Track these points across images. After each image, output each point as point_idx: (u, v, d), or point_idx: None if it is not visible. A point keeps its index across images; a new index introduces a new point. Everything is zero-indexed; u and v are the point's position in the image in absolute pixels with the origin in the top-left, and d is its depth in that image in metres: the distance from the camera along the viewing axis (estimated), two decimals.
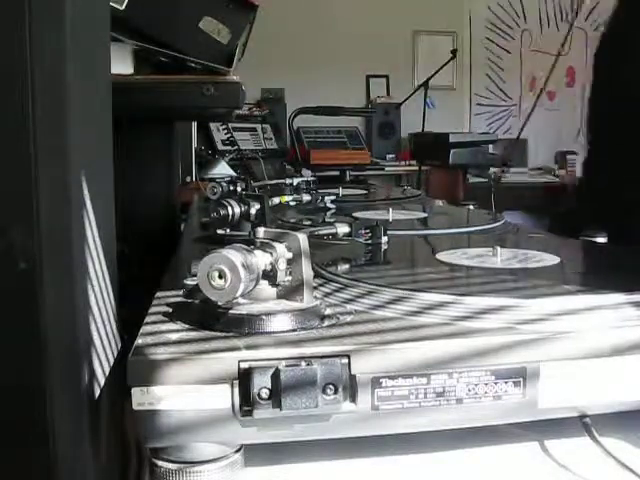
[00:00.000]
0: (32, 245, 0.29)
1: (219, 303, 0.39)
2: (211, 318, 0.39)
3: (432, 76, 3.35)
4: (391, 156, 3.83)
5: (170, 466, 0.35)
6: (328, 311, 0.42)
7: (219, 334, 0.38)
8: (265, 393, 0.34)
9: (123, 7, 0.71)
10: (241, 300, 0.39)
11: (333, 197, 0.92)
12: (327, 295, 0.46)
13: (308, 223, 0.76)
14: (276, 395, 0.34)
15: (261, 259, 0.39)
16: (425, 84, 3.37)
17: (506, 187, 3.23)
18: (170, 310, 0.43)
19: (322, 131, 3.55)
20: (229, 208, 0.67)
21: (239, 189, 0.80)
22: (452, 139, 3.18)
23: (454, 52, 3.50)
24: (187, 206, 1.13)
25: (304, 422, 0.35)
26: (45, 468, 0.30)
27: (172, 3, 0.79)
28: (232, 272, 0.37)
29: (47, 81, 0.29)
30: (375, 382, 0.35)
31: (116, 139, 0.42)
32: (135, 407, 0.34)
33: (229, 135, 2.50)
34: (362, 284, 0.45)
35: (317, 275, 0.48)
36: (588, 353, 0.38)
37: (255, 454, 0.38)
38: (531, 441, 0.42)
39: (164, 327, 0.40)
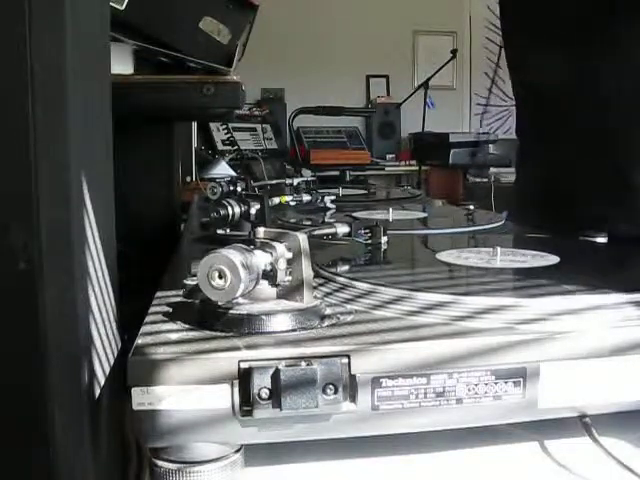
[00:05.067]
0: (32, 245, 0.29)
1: (219, 303, 0.39)
2: (211, 318, 0.39)
3: (432, 76, 3.36)
4: (391, 156, 3.83)
5: (170, 466, 0.35)
6: (328, 311, 0.42)
7: (219, 334, 0.38)
8: (265, 393, 0.34)
9: (123, 7, 0.71)
10: (241, 300, 0.39)
11: (333, 197, 0.92)
12: (327, 295, 0.46)
13: (308, 223, 0.76)
14: (276, 395, 0.34)
15: (261, 259, 0.39)
16: (425, 84, 3.37)
17: (506, 187, 3.23)
18: (170, 310, 0.43)
19: (322, 131, 3.55)
20: (229, 208, 0.67)
21: (239, 189, 0.80)
22: (452, 139, 3.18)
23: (454, 52, 3.50)
24: (187, 206, 1.13)
25: (304, 422, 0.35)
26: (45, 468, 0.30)
27: (172, 3, 0.79)
28: (232, 272, 0.37)
29: (47, 81, 0.29)
30: (375, 382, 0.36)
31: (116, 139, 0.42)
32: (135, 407, 0.34)
33: (229, 135, 2.51)
34: (362, 284, 0.45)
35: (317, 275, 0.48)
36: (588, 353, 0.38)
37: (255, 454, 0.38)
38: (531, 441, 0.42)
39: (164, 327, 0.40)
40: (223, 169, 2.06)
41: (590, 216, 0.77)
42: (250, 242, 0.41)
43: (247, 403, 0.34)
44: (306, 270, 0.41)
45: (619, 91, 0.81)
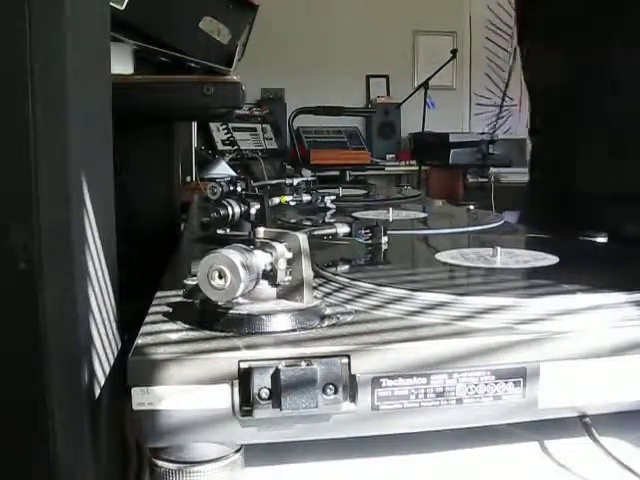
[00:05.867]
0: (32, 245, 0.29)
1: (219, 303, 0.39)
2: (211, 318, 0.39)
3: (432, 76, 3.36)
4: (391, 156, 3.83)
5: (170, 466, 0.35)
6: (328, 311, 0.42)
7: (219, 334, 0.38)
8: (265, 393, 0.34)
9: (123, 7, 0.71)
10: (241, 300, 0.39)
11: (333, 197, 0.92)
12: (327, 295, 0.46)
13: (308, 223, 0.76)
14: (276, 395, 0.34)
15: (261, 259, 0.39)
16: (425, 84, 3.37)
17: (506, 187, 3.23)
18: (170, 310, 0.43)
19: (322, 131, 3.55)
20: (229, 208, 0.67)
21: (239, 189, 0.80)
22: (452, 139, 3.18)
23: (454, 52, 3.50)
24: (187, 206, 1.13)
25: (304, 422, 0.35)
26: (45, 468, 0.30)
27: (172, 3, 0.79)
28: (232, 272, 0.37)
29: (47, 81, 0.29)
30: (375, 382, 0.36)
31: (116, 139, 0.42)
32: (135, 407, 0.34)
33: (229, 135, 2.51)
34: (362, 284, 0.45)
35: (317, 275, 0.48)
36: (588, 353, 0.38)
37: (255, 454, 0.38)
38: (531, 441, 0.42)
39: (164, 327, 0.40)
40: (223, 169, 2.07)
41: (595, 218, 0.77)
42: (250, 242, 0.41)
43: (247, 403, 0.34)
44: (306, 270, 0.41)
45: (622, 93, 0.81)
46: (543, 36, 0.92)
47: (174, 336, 0.38)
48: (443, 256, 0.56)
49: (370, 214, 0.87)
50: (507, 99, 4.11)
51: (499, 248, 0.55)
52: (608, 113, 0.83)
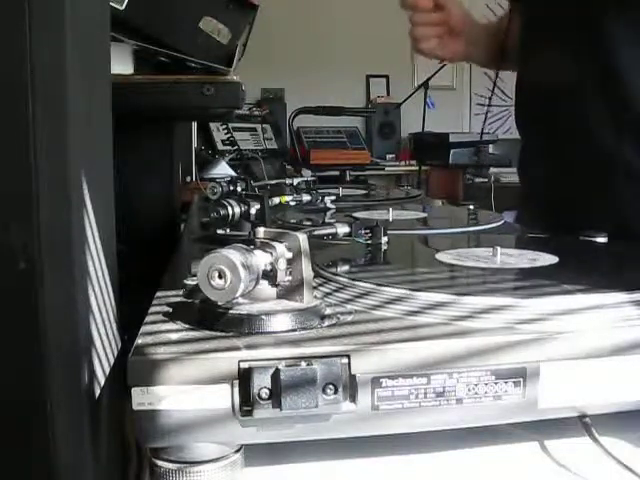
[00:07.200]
0: (32, 245, 0.29)
1: (219, 303, 0.39)
2: (211, 318, 0.39)
3: (432, 76, 3.35)
4: (391, 156, 3.84)
5: (170, 466, 0.35)
6: (328, 311, 0.42)
7: (219, 334, 0.38)
8: (265, 393, 0.34)
9: (123, 7, 0.71)
10: (241, 300, 0.39)
11: (333, 197, 0.92)
12: (327, 295, 0.46)
13: (308, 223, 0.76)
14: (276, 395, 0.34)
15: (261, 259, 0.39)
16: (425, 84, 3.37)
17: (506, 187, 3.23)
18: (170, 310, 0.43)
19: (322, 131, 3.55)
20: (229, 208, 0.67)
21: (239, 189, 0.80)
22: (452, 139, 3.18)
23: None
24: (187, 206, 1.13)
25: (304, 422, 0.35)
26: (45, 468, 0.30)
27: (172, 3, 0.79)
28: (232, 272, 0.37)
29: (47, 81, 0.29)
30: (375, 382, 0.36)
31: (116, 139, 0.42)
32: (135, 407, 0.34)
33: (229, 135, 2.50)
34: (362, 284, 0.45)
35: (317, 275, 0.48)
36: (588, 353, 0.38)
37: (255, 454, 0.38)
38: (531, 441, 0.42)
39: (164, 327, 0.40)
40: (223, 169, 2.06)
41: (584, 219, 0.77)
42: (250, 242, 0.41)
43: (247, 403, 0.34)
44: (306, 270, 0.41)
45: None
46: (536, 35, 0.91)
47: (174, 336, 0.38)
48: (443, 256, 0.56)
49: (370, 214, 0.87)
50: (507, 99, 4.11)
51: (499, 248, 0.55)
52: (609, 113, 0.82)
